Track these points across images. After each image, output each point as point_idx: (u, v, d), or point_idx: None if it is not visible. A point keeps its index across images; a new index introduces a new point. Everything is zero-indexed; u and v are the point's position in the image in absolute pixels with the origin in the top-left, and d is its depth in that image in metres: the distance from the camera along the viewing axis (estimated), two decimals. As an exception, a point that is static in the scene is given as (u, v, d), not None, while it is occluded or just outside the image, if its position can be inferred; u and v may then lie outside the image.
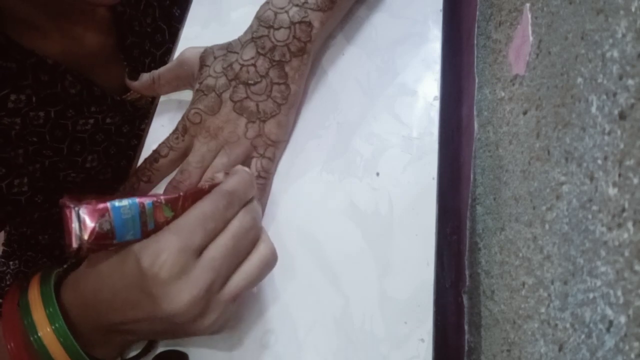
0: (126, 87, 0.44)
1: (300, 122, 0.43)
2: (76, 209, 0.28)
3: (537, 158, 0.30)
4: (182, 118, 0.41)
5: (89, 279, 0.32)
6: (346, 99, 0.44)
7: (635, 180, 0.19)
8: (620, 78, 0.21)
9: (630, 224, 0.19)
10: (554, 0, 0.30)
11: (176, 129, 0.41)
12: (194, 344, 0.36)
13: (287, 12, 0.39)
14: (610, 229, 0.21)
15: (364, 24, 0.47)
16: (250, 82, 0.39)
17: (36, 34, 0.43)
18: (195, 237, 0.30)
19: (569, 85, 0.26)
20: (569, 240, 0.24)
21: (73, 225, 0.28)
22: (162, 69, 0.43)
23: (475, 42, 0.47)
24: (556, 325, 0.25)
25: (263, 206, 0.40)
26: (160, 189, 0.40)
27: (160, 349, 0.36)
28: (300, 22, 0.39)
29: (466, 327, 0.40)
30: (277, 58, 0.39)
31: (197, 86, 0.41)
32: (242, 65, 0.40)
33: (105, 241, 0.29)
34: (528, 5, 0.35)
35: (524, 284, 0.30)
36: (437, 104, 0.43)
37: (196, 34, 0.48)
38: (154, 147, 0.41)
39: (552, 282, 0.26)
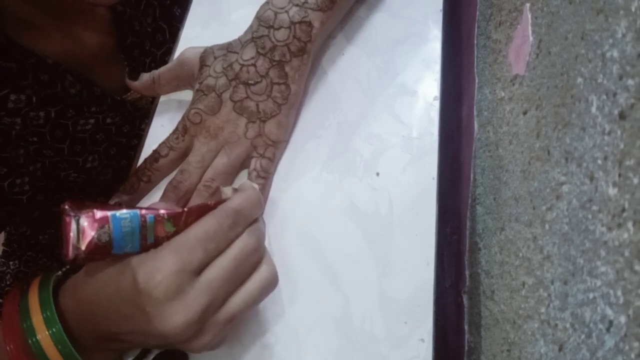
0: (126, 87, 0.44)
1: (300, 122, 0.43)
2: (76, 217, 0.28)
3: (537, 158, 0.30)
4: (182, 118, 0.41)
5: (86, 287, 0.31)
6: (346, 99, 0.44)
7: (635, 180, 0.19)
8: (620, 78, 0.21)
9: (630, 224, 0.19)
10: (554, 0, 0.30)
11: (176, 129, 0.41)
12: (194, 344, 0.36)
13: (287, 12, 0.39)
14: (610, 229, 0.21)
15: (364, 24, 0.47)
16: (250, 82, 0.39)
17: (36, 34, 0.43)
18: (195, 257, 0.29)
19: (569, 85, 0.26)
20: (569, 240, 0.24)
21: (71, 234, 0.28)
22: (162, 69, 0.43)
23: (475, 42, 0.47)
24: (556, 325, 0.25)
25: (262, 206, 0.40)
26: (160, 189, 0.40)
27: (159, 349, 0.36)
28: (300, 22, 0.39)
29: (466, 327, 0.40)
30: (277, 58, 0.39)
31: (197, 86, 0.41)
32: (242, 65, 0.40)
33: (102, 252, 0.29)
34: (528, 5, 0.35)
35: (524, 284, 0.30)
36: (437, 104, 0.43)
37: (196, 34, 0.48)
38: (154, 147, 0.41)
39: (552, 282, 0.26)
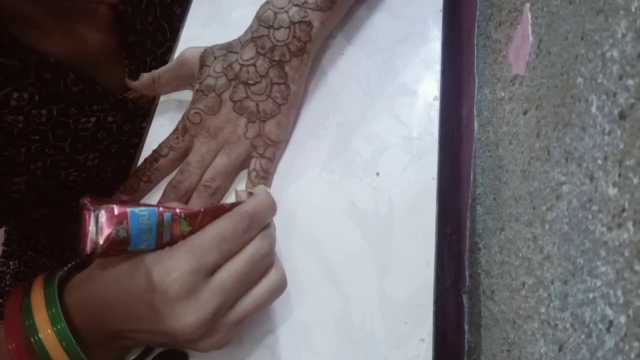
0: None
1: (300, 122, 0.43)
2: (95, 212, 0.28)
3: (537, 158, 0.30)
4: (182, 118, 0.41)
5: (95, 284, 0.32)
6: (346, 99, 0.44)
7: (635, 180, 0.19)
8: (620, 78, 0.21)
9: (630, 224, 0.19)
10: (554, 0, 0.30)
11: (176, 129, 0.41)
12: (193, 343, 0.36)
13: (287, 12, 0.39)
14: (610, 229, 0.21)
15: (364, 24, 0.47)
16: (250, 82, 0.39)
17: (38, 33, 0.43)
18: (209, 258, 0.30)
19: (569, 85, 0.26)
20: (569, 240, 0.24)
21: (90, 228, 0.28)
22: (162, 69, 0.43)
23: (475, 42, 0.47)
24: (556, 325, 0.25)
25: None
26: (160, 189, 0.40)
27: (160, 348, 0.36)
28: (300, 22, 0.39)
29: (466, 327, 0.40)
30: (277, 58, 0.39)
31: (197, 86, 0.41)
32: (242, 65, 0.40)
33: (119, 248, 0.29)
34: (528, 5, 0.35)
35: (524, 284, 0.30)
36: (437, 104, 0.43)
37: (196, 34, 0.48)
38: (154, 147, 0.41)
39: (552, 282, 0.26)
